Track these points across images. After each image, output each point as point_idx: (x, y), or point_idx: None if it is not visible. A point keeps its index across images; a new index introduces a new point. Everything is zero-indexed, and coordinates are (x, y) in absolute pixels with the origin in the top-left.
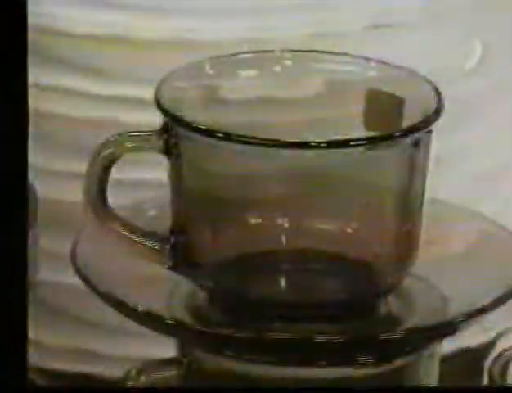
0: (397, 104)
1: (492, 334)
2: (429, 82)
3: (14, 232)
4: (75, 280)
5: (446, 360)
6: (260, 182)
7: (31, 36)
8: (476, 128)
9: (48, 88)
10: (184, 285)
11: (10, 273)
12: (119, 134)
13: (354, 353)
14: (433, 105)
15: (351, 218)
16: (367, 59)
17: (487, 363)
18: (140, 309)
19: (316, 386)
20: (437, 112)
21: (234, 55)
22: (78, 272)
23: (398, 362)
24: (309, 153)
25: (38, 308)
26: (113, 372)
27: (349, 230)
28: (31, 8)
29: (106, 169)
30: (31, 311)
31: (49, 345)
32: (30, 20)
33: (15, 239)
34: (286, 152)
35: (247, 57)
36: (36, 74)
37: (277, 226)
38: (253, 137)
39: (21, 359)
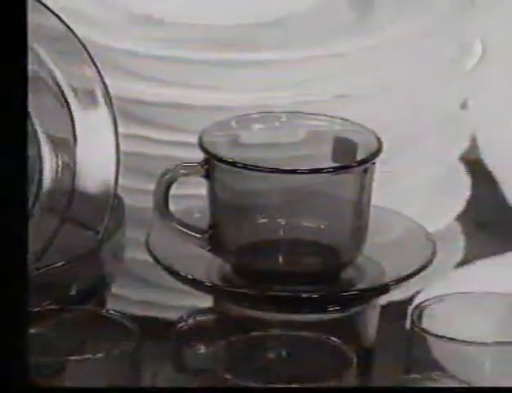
0: (352, 146)
1: (411, 292)
2: (373, 131)
3: (14, 234)
4: (148, 258)
5: (382, 308)
6: (265, 195)
7: (120, 104)
8: None
9: (134, 136)
10: (217, 261)
11: (10, 273)
12: (176, 165)
13: (326, 304)
14: (375, 147)
15: (324, 218)
16: (334, 117)
17: (409, 311)
18: (189, 276)
19: (301, 327)
20: (378, 151)
21: (248, 115)
22: (150, 253)
23: (354, 310)
24: (297, 177)
25: (127, 275)
26: (171, 316)
27: (322, 226)
28: (123, 84)
29: (168, 187)
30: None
31: (132, 298)
32: (123, 92)
33: (16, 240)
34: (282, 176)
35: (257, 116)
36: (127, 127)
37: (276, 223)
38: (261, 167)
39: (21, 359)
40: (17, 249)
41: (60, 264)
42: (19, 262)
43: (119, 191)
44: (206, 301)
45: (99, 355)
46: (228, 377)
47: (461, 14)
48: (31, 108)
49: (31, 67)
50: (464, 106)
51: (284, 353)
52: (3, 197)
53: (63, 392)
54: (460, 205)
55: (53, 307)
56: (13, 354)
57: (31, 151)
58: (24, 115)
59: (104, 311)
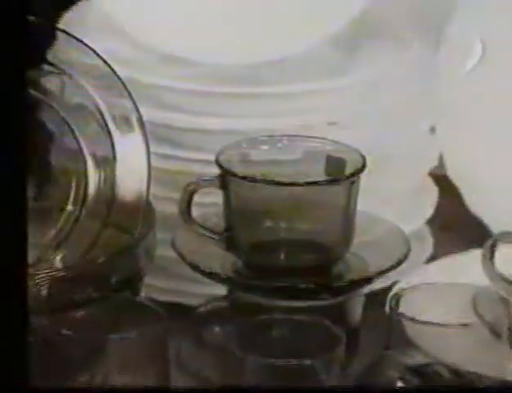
0: (341, 163)
1: (390, 282)
2: (359, 151)
3: (14, 236)
4: (173, 255)
5: (366, 296)
6: (269, 203)
7: (152, 129)
8: None
9: (163, 155)
10: (230, 258)
11: (10, 274)
12: (197, 178)
13: (319, 293)
14: (361, 164)
15: (318, 222)
16: (326, 139)
17: (388, 298)
18: (208, 270)
19: (299, 312)
20: (363, 168)
21: (256, 137)
22: (176, 251)
23: (342, 298)
24: (296, 188)
25: (156, 269)
26: (192, 302)
27: (316, 228)
28: (154, 112)
29: (190, 196)
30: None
31: (160, 288)
32: (154, 119)
33: (16, 241)
34: (283, 187)
35: (263, 139)
36: (157, 147)
37: (279, 226)
38: (266, 180)
39: (21, 359)
40: (17, 254)
41: (102, 259)
42: (19, 268)
43: (151, 200)
44: (221, 290)
45: (133, 334)
46: (239, 352)
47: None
48: (78, 132)
49: (80, 100)
50: (432, 131)
51: (285, 333)
52: (4, 197)
53: (63, 392)
54: (429, 212)
55: (96, 294)
56: (13, 356)
57: (79, 167)
58: (24, 115)
59: (138, 298)
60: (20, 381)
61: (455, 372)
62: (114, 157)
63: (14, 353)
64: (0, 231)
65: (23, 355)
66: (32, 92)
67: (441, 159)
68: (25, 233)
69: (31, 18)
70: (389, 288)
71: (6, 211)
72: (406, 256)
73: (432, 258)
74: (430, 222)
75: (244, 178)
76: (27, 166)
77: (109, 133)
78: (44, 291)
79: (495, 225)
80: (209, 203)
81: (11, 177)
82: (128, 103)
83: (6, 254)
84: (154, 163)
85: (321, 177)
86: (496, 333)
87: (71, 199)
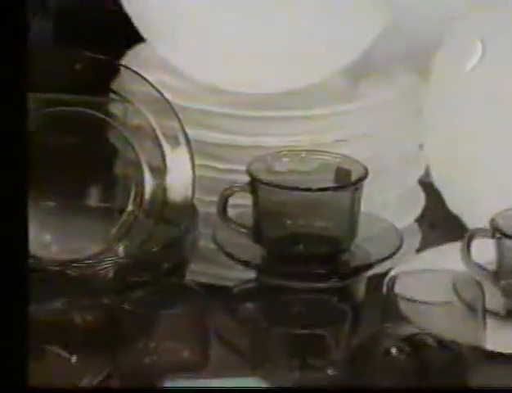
0: (348, 172)
1: (386, 268)
2: (362, 163)
3: (15, 236)
4: (213, 246)
5: (368, 279)
6: (290, 204)
7: (204, 146)
8: None
9: (206, 166)
10: (258, 248)
11: (10, 276)
12: (231, 185)
13: (330, 277)
14: (363, 173)
15: (329, 219)
16: (336, 153)
17: (385, 281)
18: (241, 258)
19: (314, 292)
20: (365, 176)
21: (279, 152)
22: (215, 242)
23: (349, 281)
24: (311, 193)
25: (199, 257)
26: (228, 284)
27: (328, 225)
28: (198, 131)
29: (226, 199)
30: None
31: (203, 272)
32: (198, 137)
33: (16, 242)
34: (301, 192)
35: (285, 153)
36: (201, 159)
37: (298, 223)
38: (287, 186)
39: (21, 359)
40: (17, 254)
41: (155, 249)
42: (19, 269)
43: (195, 202)
44: (250, 274)
45: (179, 310)
46: (265, 324)
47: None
48: (137, 148)
49: (138, 121)
50: (421, 147)
51: (302, 308)
52: (3, 199)
53: (63, 392)
54: (417, 212)
55: (151, 277)
56: (12, 356)
57: (137, 175)
58: (24, 117)
59: (183, 280)
60: (20, 381)
61: (439, 341)
62: (165, 167)
63: (14, 353)
64: (0, 233)
65: (23, 355)
66: (100, 115)
67: (427, 169)
68: (26, 236)
69: (99, 56)
70: (386, 273)
71: (7, 212)
72: (399, 248)
73: (420, 249)
74: (418, 220)
75: (269, 184)
76: (27, 166)
77: (161, 148)
78: (110, 275)
79: (471, 223)
80: (241, 204)
81: (11, 177)
82: (176, 124)
83: (7, 255)
84: (197, 172)
85: (332, 184)
86: (471, 309)
87: (131, 201)
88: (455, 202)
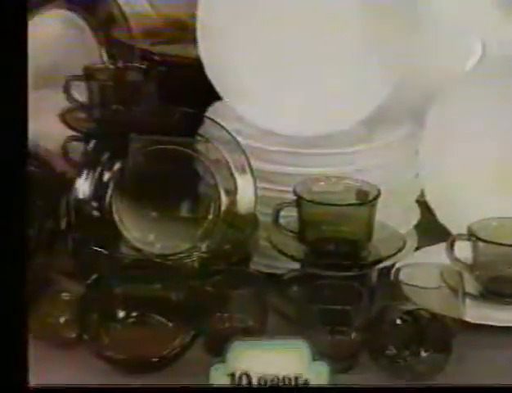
0: (366, 193)
1: (393, 262)
2: (376, 186)
3: (14, 240)
4: (269, 245)
5: (379, 270)
6: (324, 216)
7: (263, 174)
8: None
9: (264, 188)
10: (302, 247)
11: (11, 281)
12: (282, 202)
13: (352, 268)
14: (377, 193)
15: (351, 226)
16: (357, 179)
17: (392, 271)
18: (289, 253)
19: (340, 279)
20: (378, 196)
21: (316, 177)
22: (271, 243)
23: (366, 271)
24: (339, 208)
25: (259, 253)
26: (278, 272)
27: (350, 230)
28: (259, 164)
29: (278, 212)
30: None
31: (262, 263)
32: (258, 167)
33: (16, 244)
34: (332, 207)
35: (320, 178)
36: (260, 182)
37: (329, 229)
38: (322, 202)
39: (21, 359)
40: (17, 254)
41: (228, 246)
42: (19, 269)
43: (256, 213)
44: (296, 265)
45: (245, 291)
46: (306, 301)
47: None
48: (216, 175)
49: (216, 156)
50: (417, 175)
51: (332, 290)
52: (4, 200)
53: (63, 392)
54: (415, 221)
55: (225, 267)
56: (13, 356)
57: (216, 194)
58: (23, 118)
59: (247, 269)
60: (20, 381)
61: (431, 314)
62: (236, 189)
63: (14, 353)
64: (1, 234)
65: (23, 355)
66: (189, 151)
67: (422, 192)
68: (25, 239)
69: (189, 110)
70: (392, 266)
71: (7, 212)
72: (403, 247)
73: (417, 248)
74: (416, 227)
75: (309, 201)
76: (26, 166)
77: (232, 175)
78: (196, 265)
79: (453, 229)
80: (289, 215)
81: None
82: (243, 158)
83: (7, 257)
84: (258, 192)
85: (354, 201)
86: (454, 292)
87: (211, 212)
88: (442, 215)
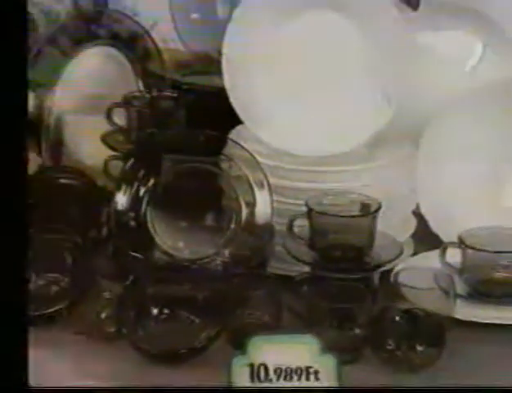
0: (368, 206)
1: (392, 266)
2: (378, 200)
3: (14, 242)
4: (283, 251)
5: (381, 273)
6: (332, 226)
7: (278, 189)
8: None
9: (279, 201)
10: (313, 253)
11: (10, 277)
12: (295, 214)
13: (357, 271)
14: (378, 206)
15: (356, 235)
16: (361, 194)
17: (392, 274)
18: (301, 258)
19: (346, 280)
20: (379, 208)
21: (326, 192)
22: (286, 249)
23: (369, 274)
24: (346, 219)
25: (274, 257)
26: (292, 274)
27: (356, 238)
28: (276, 181)
29: (292, 222)
30: None
31: (277, 266)
32: (275, 184)
33: (16, 243)
34: (340, 218)
35: (330, 193)
36: (276, 196)
37: (337, 237)
38: (331, 214)
39: (21, 359)
40: (17, 258)
41: (248, 252)
42: (19, 270)
43: (273, 223)
44: (307, 269)
45: (261, 291)
46: (316, 300)
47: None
48: (237, 189)
49: (238, 173)
50: (413, 190)
51: (339, 291)
52: (4, 201)
53: (63, 392)
54: (411, 230)
55: (243, 271)
56: (13, 358)
57: (237, 206)
58: (24, 119)
59: (264, 271)
60: (20, 381)
61: (425, 312)
62: (255, 201)
63: (14, 353)
64: (0, 239)
65: (23, 355)
66: (214, 169)
67: (417, 205)
68: (26, 242)
69: (214, 133)
70: (392, 269)
71: (7, 212)
72: (400, 253)
73: (413, 254)
74: (412, 236)
75: (319, 212)
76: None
77: (252, 190)
78: (219, 268)
79: (445, 238)
80: (301, 225)
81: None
82: (261, 175)
83: (7, 258)
84: (274, 204)
85: (358, 213)
86: (446, 293)
87: (233, 222)
88: (435, 225)
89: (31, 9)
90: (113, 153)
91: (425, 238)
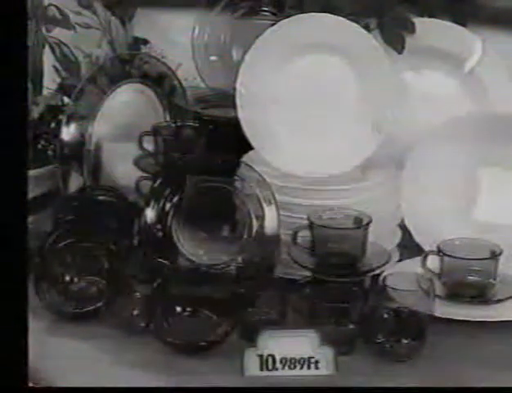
0: (361, 219)
1: (381, 271)
2: (368, 215)
3: (14, 241)
4: (288, 257)
5: (371, 277)
6: (331, 237)
7: (284, 204)
8: None
9: (284, 215)
10: (315, 259)
11: (11, 282)
12: (299, 225)
13: (351, 275)
14: (369, 220)
15: (351, 244)
16: (354, 209)
17: (380, 278)
18: (304, 264)
19: (343, 283)
20: (370, 222)
21: (325, 208)
22: (291, 257)
23: (361, 278)
24: (342, 230)
25: (280, 262)
26: (295, 277)
27: (351, 247)
28: (282, 197)
29: (296, 233)
30: None
31: (283, 271)
32: (281, 200)
33: (16, 248)
34: (337, 230)
35: (328, 209)
36: (281, 210)
37: (335, 246)
38: (330, 227)
39: (21, 359)
40: (17, 257)
41: (257, 258)
42: (18, 271)
43: (280, 233)
44: (308, 273)
45: (270, 292)
46: (317, 299)
47: None
48: (249, 205)
49: (249, 191)
50: (399, 206)
51: (336, 292)
52: (4, 201)
53: (63, 392)
54: (397, 241)
55: (253, 275)
56: (14, 358)
57: (248, 219)
58: (24, 119)
59: (273, 276)
60: (20, 381)
61: (410, 310)
62: (264, 215)
63: (14, 353)
64: (0, 239)
65: (23, 355)
66: (229, 187)
67: (402, 219)
68: (25, 242)
69: (227, 157)
70: (381, 274)
71: (7, 212)
72: (388, 260)
73: (399, 261)
74: (398, 245)
75: (319, 225)
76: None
77: (261, 205)
78: (234, 272)
79: (426, 246)
80: (304, 235)
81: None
82: (269, 193)
83: (7, 259)
84: (281, 218)
85: (352, 226)
86: (427, 293)
87: (245, 233)
88: (417, 236)
89: (76, 53)
90: (143, 174)
91: (409, 247)
